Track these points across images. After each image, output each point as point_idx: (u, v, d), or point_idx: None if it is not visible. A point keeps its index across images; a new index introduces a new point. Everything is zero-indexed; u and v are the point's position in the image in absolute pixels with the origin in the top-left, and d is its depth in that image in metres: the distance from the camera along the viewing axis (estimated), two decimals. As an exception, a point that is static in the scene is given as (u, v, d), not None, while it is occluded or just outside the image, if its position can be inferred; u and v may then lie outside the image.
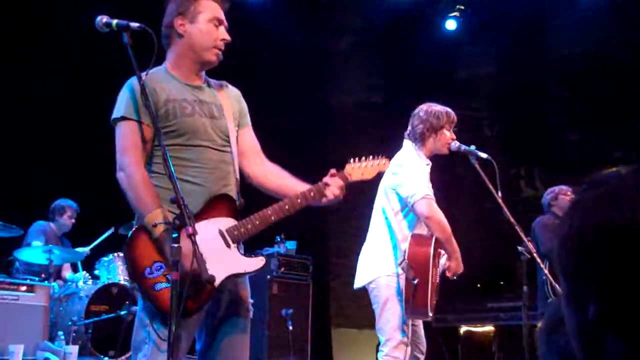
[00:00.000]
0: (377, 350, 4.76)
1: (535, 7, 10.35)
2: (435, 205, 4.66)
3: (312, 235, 8.72)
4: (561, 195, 7.19)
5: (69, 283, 7.75)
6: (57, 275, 7.96)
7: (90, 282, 7.56)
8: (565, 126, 11.17)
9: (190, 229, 2.74)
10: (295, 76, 9.91)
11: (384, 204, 4.82)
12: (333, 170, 3.38)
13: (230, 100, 3.48)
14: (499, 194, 4.67)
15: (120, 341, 7.08)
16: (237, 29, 3.53)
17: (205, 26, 3.32)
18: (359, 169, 3.45)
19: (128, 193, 3.08)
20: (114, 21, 2.98)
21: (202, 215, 3.16)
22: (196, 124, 3.26)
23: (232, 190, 3.33)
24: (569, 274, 1.07)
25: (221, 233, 3.18)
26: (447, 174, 5.81)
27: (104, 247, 7.98)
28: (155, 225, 2.98)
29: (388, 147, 5.14)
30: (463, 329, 9.63)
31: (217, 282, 2.99)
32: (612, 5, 10.04)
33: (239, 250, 3.23)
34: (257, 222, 3.21)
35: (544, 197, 7.37)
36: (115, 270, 7.62)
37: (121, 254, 7.66)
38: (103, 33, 3.03)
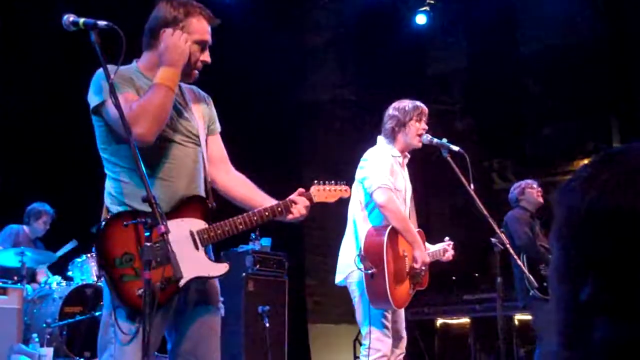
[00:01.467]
0: (354, 345, 4.78)
1: (506, 1, 10.41)
2: (391, 195, 4.70)
3: (287, 231, 8.70)
4: (528, 189, 7.24)
5: (43, 285, 7.69)
6: (31, 278, 7.89)
7: (63, 283, 7.49)
8: (537, 119, 11.26)
9: (162, 228, 2.72)
10: (268, 73, 9.89)
11: (354, 200, 4.87)
12: (301, 190, 3.47)
13: (201, 105, 3.47)
14: (472, 186, 4.70)
15: (95, 343, 7.02)
16: (210, 27, 3.43)
17: (191, 47, 3.23)
18: (323, 192, 3.56)
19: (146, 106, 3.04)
20: (81, 20, 2.93)
21: (174, 214, 3.15)
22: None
23: (201, 190, 3.34)
24: (569, 253, 1.07)
25: (192, 234, 3.19)
26: (421, 167, 5.83)
27: (77, 249, 7.91)
28: (127, 225, 2.96)
29: (360, 142, 5.17)
30: (439, 321, 9.70)
31: (182, 282, 3.00)
32: (584, 0, 10.13)
33: (206, 254, 3.24)
34: (227, 229, 3.25)
35: (510, 192, 7.42)
36: (88, 271, 7.56)
37: (94, 255, 7.58)
38: (71, 32, 2.99)
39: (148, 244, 2.76)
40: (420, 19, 10.62)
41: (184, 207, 3.20)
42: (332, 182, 3.63)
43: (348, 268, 4.78)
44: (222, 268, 3.28)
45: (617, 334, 1.00)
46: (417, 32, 10.81)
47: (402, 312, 4.94)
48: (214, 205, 3.35)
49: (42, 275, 8.20)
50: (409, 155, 5.07)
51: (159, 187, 3.15)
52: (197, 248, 3.19)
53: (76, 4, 3.49)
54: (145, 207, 2.85)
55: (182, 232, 3.15)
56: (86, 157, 3.64)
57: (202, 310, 3.30)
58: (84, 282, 7.38)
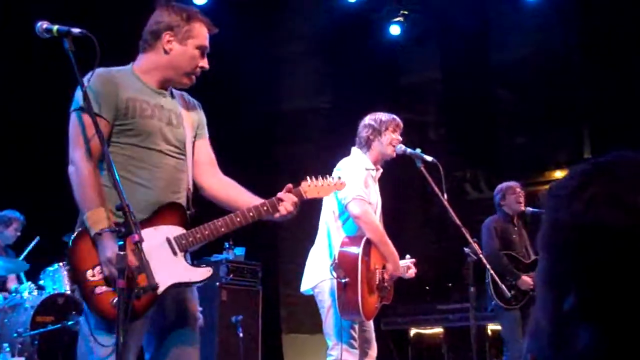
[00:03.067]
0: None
1: (479, 11, 10.49)
2: (367, 207, 4.72)
3: (261, 241, 8.69)
4: (508, 195, 7.22)
5: (14, 294, 7.60)
6: (2, 286, 7.80)
7: (35, 292, 7.41)
8: (510, 129, 11.34)
9: (136, 236, 2.71)
10: (244, 82, 9.88)
11: (326, 209, 4.87)
12: (289, 186, 3.41)
13: (190, 111, 3.49)
14: (445, 196, 4.73)
15: (68, 352, 6.97)
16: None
17: (192, 52, 3.33)
18: (315, 187, 3.52)
19: (74, 188, 3.05)
20: (55, 27, 2.93)
21: (150, 222, 3.15)
22: (153, 127, 3.25)
23: (182, 199, 3.33)
24: (554, 262, 1.08)
25: (168, 241, 3.17)
26: (394, 177, 5.84)
27: (49, 256, 7.82)
28: (100, 233, 2.94)
29: (335, 152, 5.18)
30: (413, 331, 9.71)
31: (160, 289, 2.95)
32: (556, 10, 10.22)
33: (185, 259, 3.21)
34: (207, 232, 3.21)
35: (494, 196, 7.40)
36: (60, 280, 7.49)
37: (66, 264, 7.53)
38: (44, 39, 2.97)
39: (121, 252, 2.75)
40: (394, 30, 10.66)
41: (160, 214, 3.19)
42: (327, 175, 3.61)
43: (318, 277, 4.78)
44: (204, 273, 3.24)
45: (600, 343, 1.01)
46: (390, 42, 10.86)
47: (370, 321, 4.94)
48: (193, 212, 3.34)
49: (12, 282, 8.10)
50: (381, 170, 5.08)
51: (139, 193, 3.15)
52: (175, 254, 3.16)
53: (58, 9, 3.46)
54: (119, 215, 2.85)
55: (157, 239, 3.13)
56: (56, 164, 3.62)
57: (181, 324, 3.29)
58: (56, 292, 7.31)
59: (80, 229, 3.09)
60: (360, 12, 10.48)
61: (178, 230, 3.19)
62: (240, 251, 8.42)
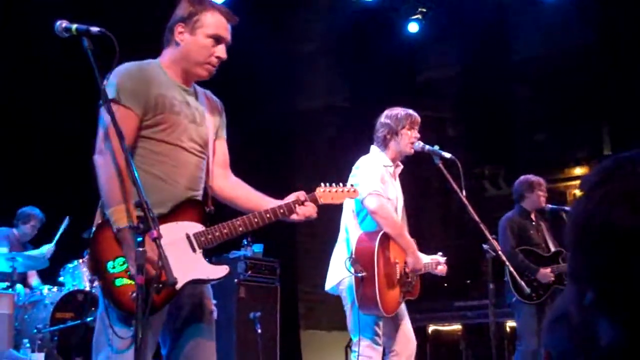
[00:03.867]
0: (346, 351, 4.78)
1: (497, 8, 10.45)
2: (383, 201, 4.70)
3: (279, 237, 8.69)
4: (537, 190, 7.00)
5: (34, 290, 7.66)
6: (22, 282, 7.86)
7: (55, 289, 7.46)
8: (528, 126, 11.30)
9: (155, 232, 2.72)
10: (261, 81, 9.89)
11: (346, 207, 4.87)
12: (302, 192, 3.44)
13: (212, 110, 3.49)
14: (464, 193, 4.71)
15: (87, 348, 7.02)
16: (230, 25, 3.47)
17: (203, 41, 3.30)
18: (329, 193, 3.56)
19: (100, 180, 3.04)
20: (74, 26, 2.93)
21: (170, 217, 3.16)
22: (180, 123, 3.25)
23: (199, 197, 3.34)
24: (574, 257, 1.09)
25: (188, 237, 3.17)
26: (413, 175, 5.84)
27: (69, 252, 7.87)
28: (122, 230, 2.95)
29: (352, 150, 5.19)
30: (431, 328, 9.70)
31: (179, 285, 2.96)
32: (575, 7, 10.17)
33: (204, 257, 3.22)
34: (225, 231, 3.23)
35: (517, 185, 7.18)
36: (80, 276, 7.54)
37: (85, 260, 7.58)
38: (64, 38, 2.99)
39: (140, 248, 2.76)
40: (413, 27, 10.65)
41: (180, 210, 3.20)
42: (340, 183, 3.64)
43: (340, 275, 4.78)
44: (222, 270, 3.26)
45: (619, 338, 1.02)
46: (409, 40, 10.84)
47: (403, 316, 4.91)
48: (212, 209, 3.35)
49: (32, 277, 8.17)
50: (401, 165, 5.07)
51: (161, 188, 3.16)
52: (194, 251, 3.17)
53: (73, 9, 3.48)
54: (154, 210, 2.89)
55: (177, 235, 3.14)
56: (79, 161, 3.64)
57: (197, 319, 3.29)
58: (76, 288, 7.36)
59: (101, 220, 3.09)
60: (378, 10, 10.47)
61: (197, 227, 3.21)
62: (258, 248, 8.44)
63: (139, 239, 2.79)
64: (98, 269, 3.05)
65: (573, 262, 1.10)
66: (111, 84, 3.12)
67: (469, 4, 10.21)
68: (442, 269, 5.06)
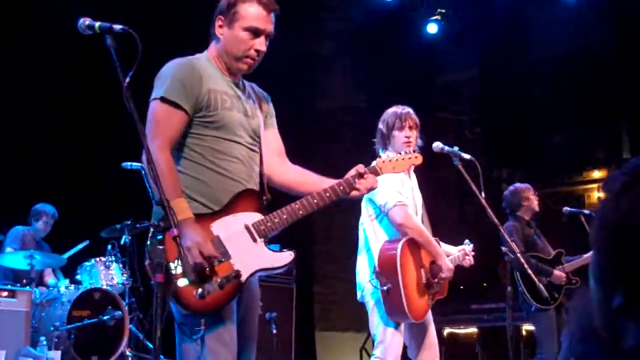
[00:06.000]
0: (361, 353, 4.76)
1: (516, 9, 10.41)
2: (408, 211, 4.67)
3: (295, 238, 8.69)
4: (531, 196, 7.05)
5: (51, 288, 7.69)
6: (39, 280, 7.90)
7: (72, 287, 7.49)
8: (547, 128, 11.24)
9: (175, 231, 2.72)
10: (279, 81, 9.89)
11: (363, 212, 4.85)
12: (360, 166, 3.41)
13: (261, 102, 3.51)
14: (483, 194, 4.67)
15: (103, 346, 7.05)
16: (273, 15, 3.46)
17: (240, 34, 3.25)
18: (390, 163, 3.52)
19: (153, 177, 2.94)
20: (97, 23, 2.93)
21: (227, 210, 3.15)
22: (233, 118, 3.25)
23: (256, 188, 3.33)
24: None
25: (247, 228, 3.15)
26: (429, 176, 5.81)
27: (86, 253, 7.92)
28: (185, 220, 2.93)
29: (370, 151, 5.16)
30: (446, 330, 9.66)
31: (243, 277, 2.99)
32: (594, 8, 10.12)
33: (265, 245, 3.20)
34: (285, 217, 3.20)
35: (508, 196, 7.21)
36: (97, 275, 7.57)
37: (102, 259, 7.62)
38: (86, 35, 2.99)
39: (160, 247, 2.76)
40: (432, 28, 10.63)
41: (237, 201, 3.18)
42: (400, 152, 3.61)
43: (361, 281, 4.78)
44: (286, 257, 3.24)
45: None
46: (428, 40, 10.82)
47: (429, 322, 4.88)
48: (269, 198, 3.32)
49: (49, 275, 8.21)
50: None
51: (222, 183, 3.17)
52: (255, 241, 3.15)
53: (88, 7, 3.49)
54: (203, 209, 3.01)
55: (237, 227, 3.13)
56: (98, 160, 3.65)
57: (248, 321, 3.31)
58: (93, 286, 7.39)
59: (161, 222, 2.99)
60: (397, 11, 10.46)
61: (256, 217, 3.18)
62: (274, 248, 8.44)
63: (159, 236, 2.79)
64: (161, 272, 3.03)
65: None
66: (161, 81, 3.16)
67: (488, 5, 10.18)
68: (469, 260, 5.00)
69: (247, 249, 3.11)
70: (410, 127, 4.86)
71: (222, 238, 2.96)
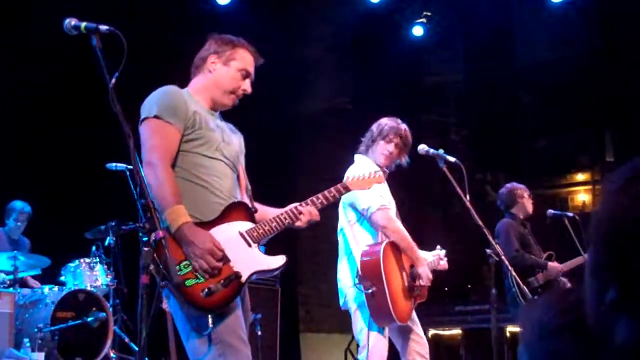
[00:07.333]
0: (346, 354, 4.77)
1: (502, 14, 10.46)
2: (391, 215, 4.71)
3: (280, 240, 8.70)
4: (527, 196, 7.16)
5: (35, 289, 7.64)
6: (23, 282, 7.84)
7: (56, 288, 7.45)
8: (532, 132, 11.31)
9: (160, 233, 2.78)
10: (265, 83, 9.88)
11: (341, 218, 4.87)
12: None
13: (235, 137, 3.72)
14: (467, 197, 4.70)
15: (87, 348, 7.03)
16: (207, 38, 3.73)
17: (234, 73, 3.60)
18: (357, 180, 3.93)
19: (153, 188, 3.20)
20: (83, 24, 2.95)
21: (221, 219, 3.38)
22: (216, 139, 3.50)
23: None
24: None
25: (241, 234, 3.40)
26: (414, 178, 5.85)
27: (71, 251, 7.87)
28: (184, 224, 3.16)
29: (355, 153, 5.17)
30: (431, 332, 9.69)
31: (243, 278, 3.26)
32: (580, 13, 10.18)
33: (260, 250, 3.47)
34: (274, 224, 3.51)
35: (502, 196, 7.28)
36: (81, 276, 7.52)
37: (87, 260, 7.58)
38: (72, 36, 2.99)
39: (145, 249, 2.79)
40: (417, 31, 10.66)
41: (229, 212, 3.42)
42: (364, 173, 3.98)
43: (343, 286, 4.79)
44: (280, 260, 3.51)
45: (637, 337, 1.01)
46: (413, 43, 10.85)
47: (415, 322, 4.91)
48: (256, 209, 3.60)
49: (35, 284, 8.07)
50: (387, 170, 4.96)
51: (208, 196, 3.41)
52: (249, 245, 3.41)
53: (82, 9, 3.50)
54: (202, 217, 3.25)
55: (232, 233, 3.37)
56: (82, 161, 3.65)
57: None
58: (77, 287, 7.35)
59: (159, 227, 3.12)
60: (382, 13, 10.48)
61: (248, 225, 3.45)
62: (262, 250, 8.44)
63: (144, 238, 2.82)
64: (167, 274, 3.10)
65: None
66: (152, 103, 3.40)
67: (473, 8, 10.22)
68: (444, 264, 5.09)
69: (244, 253, 3.37)
70: (397, 145, 4.87)
71: (221, 243, 3.20)
